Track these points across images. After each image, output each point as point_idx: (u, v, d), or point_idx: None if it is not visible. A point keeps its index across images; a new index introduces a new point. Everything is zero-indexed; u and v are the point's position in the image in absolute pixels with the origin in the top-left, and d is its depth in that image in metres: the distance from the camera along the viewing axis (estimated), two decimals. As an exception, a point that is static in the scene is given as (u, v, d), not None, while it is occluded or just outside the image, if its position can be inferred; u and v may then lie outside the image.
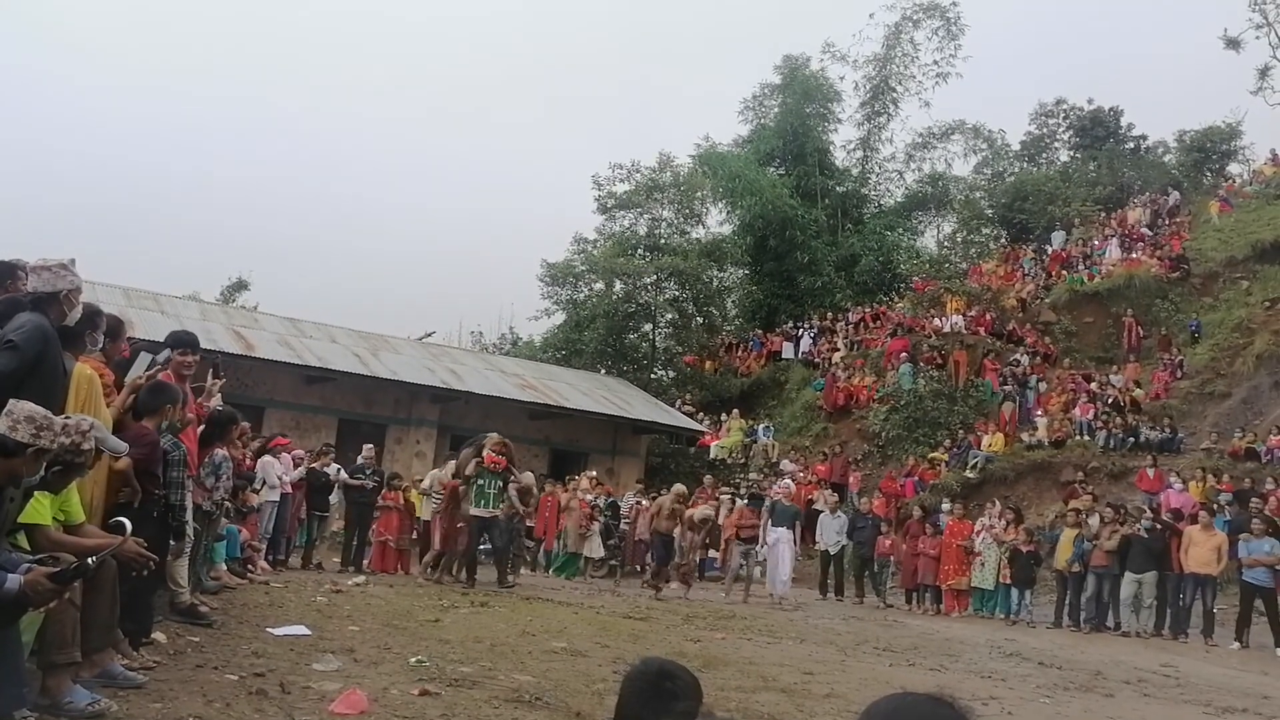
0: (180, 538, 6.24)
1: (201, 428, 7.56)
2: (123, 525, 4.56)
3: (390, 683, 5.85)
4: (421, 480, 15.93)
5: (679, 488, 16.29)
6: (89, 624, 4.55)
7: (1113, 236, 30.51)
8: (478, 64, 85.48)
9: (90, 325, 5.37)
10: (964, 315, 27.20)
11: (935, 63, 38.59)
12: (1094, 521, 15.13)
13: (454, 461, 14.29)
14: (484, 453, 13.21)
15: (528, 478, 14.75)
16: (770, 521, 15.88)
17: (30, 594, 3.68)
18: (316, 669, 6.03)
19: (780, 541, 15.60)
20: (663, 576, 15.32)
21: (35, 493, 4.25)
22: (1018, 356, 25.16)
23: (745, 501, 16.92)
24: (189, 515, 6.41)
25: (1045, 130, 43.22)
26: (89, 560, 3.93)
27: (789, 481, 18.94)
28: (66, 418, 4.31)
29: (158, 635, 6.22)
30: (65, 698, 4.24)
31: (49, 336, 4.72)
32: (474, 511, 13.01)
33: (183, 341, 6.78)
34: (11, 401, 4.05)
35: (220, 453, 8.09)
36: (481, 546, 13.79)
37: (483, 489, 13.03)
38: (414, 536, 15.37)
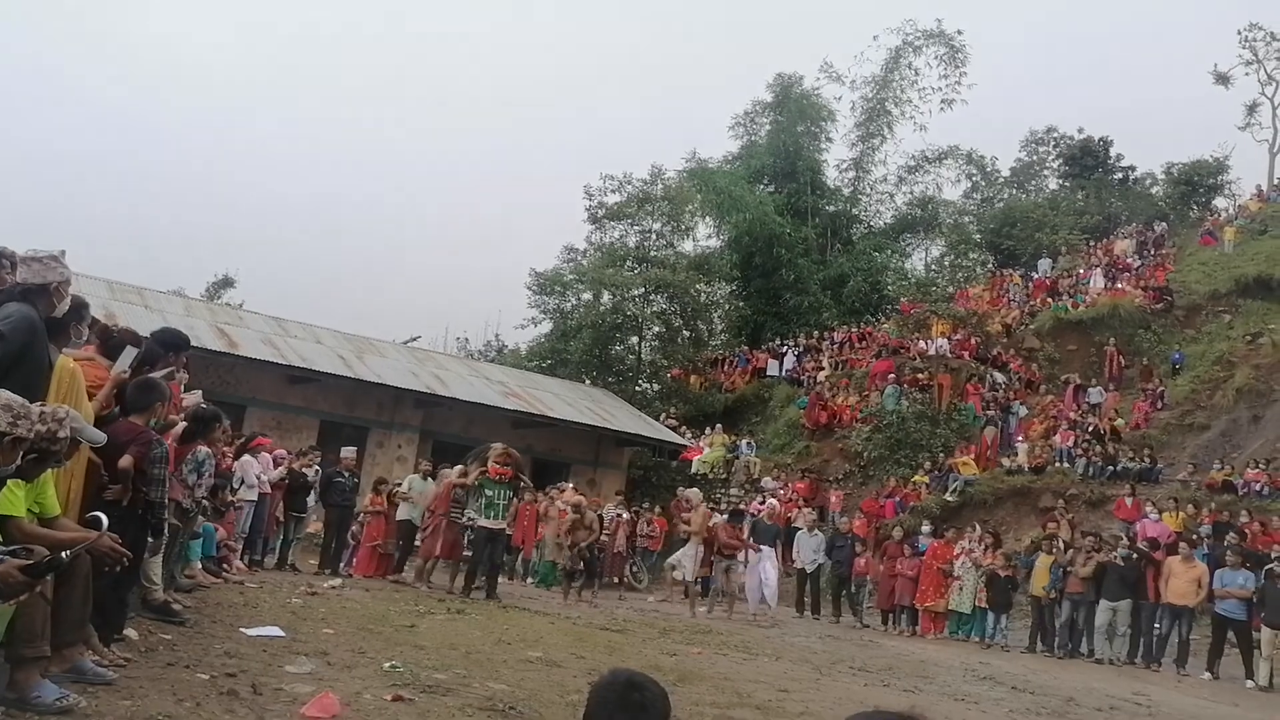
0: (158, 535, 6.20)
1: (183, 424, 7.52)
2: (99, 520, 4.53)
3: (363, 687, 5.81)
4: (400, 484, 15.81)
5: (573, 498, 16.62)
6: (60, 618, 4.51)
7: (1098, 266, 30.75)
8: (469, 71, 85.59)
9: (76, 318, 5.35)
10: (949, 339, 27.30)
11: (939, 89, 38.76)
12: (1062, 542, 15.19)
13: (460, 466, 14.24)
14: (489, 464, 13.14)
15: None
16: (752, 539, 15.92)
17: (2, 586, 3.65)
18: (289, 671, 5.99)
19: (763, 559, 15.64)
20: (586, 584, 15.54)
21: (9, 482, 4.22)
22: (995, 376, 25.25)
23: (725, 517, 16.90)
24: (167, 512, 6.37)
25: (1035, 158, 43.65)
26: (63, 554, 3.90)
27: (774, 501, 18.93)
28: (43, 406, 4.29)
29: (129, 632, 6.17)
30: (33, 692, 4.19)
31: (36, 328, 4.70)
32: (482, 523, 12.90)
33: (174, 343, 6.78)
34: (-12, 390, 4.03)
35: (204, 450, 8.04)
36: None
37: (492, 500, 12.91)
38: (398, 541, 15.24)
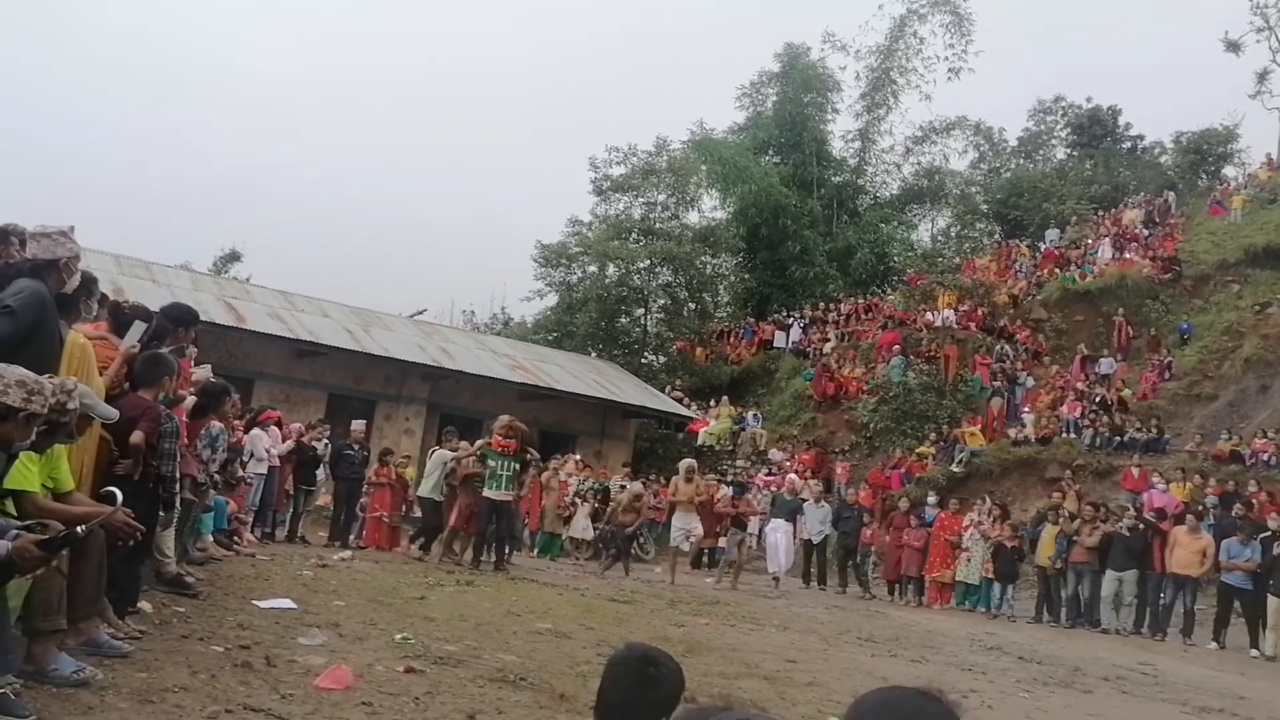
0: (170, 509, 6.24)
1: (193, 398, 7.56)
2: (114, 495, 4.55)
3: (376, 659, 5.86)
4: (406, 465, 15.84)
5: (636, 487, 16.33)
6: (75, 592, 4.54)
7: (1106, 236, 30.60)
8: (469, 48, 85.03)
9: (86, 293, 5.36)
10: (956, 310, 27.25)
11: (946, 58, 38.38)
12: (1068, 513, 15.28)
13: (482, 441, 14.23)
14: (493, 435, 13.16)
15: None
16: (771, 513, 16.07)
17: (18, 561, 3.67)
18: (302, 643, 6.04)
19: (779, 531, 15.73)
20: (611, 563, 15.49)
21: (24, 458, 4.24)
22: (1003, 347, 25.21)
23: (730, 490, 16.96)
24: (178, 487, 6.41)
25: (1043, 127, 43.28)
26: (78, 529, 3.92)
27: (794, 477, 18.96)
28: (51, 378, 4.30)
29: (144, 605, 6.21)
30: (51, 665, 4.23)
31: (47, 303, 4.71)
32: (487, 493, 12.89)
33: (184, 318, 6.80)
34: (2, 366, 4.04)
35: (217, 425, 8.09)
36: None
37: (494, 471, 12.89)
38: (404, 513, 15.29)
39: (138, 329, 6.03)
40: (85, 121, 64.87)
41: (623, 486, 19.56)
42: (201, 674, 4.87)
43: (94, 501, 4.87)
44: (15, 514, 4.22)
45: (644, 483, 21.45)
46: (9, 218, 5.75)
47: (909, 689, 1.69)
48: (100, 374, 5.46)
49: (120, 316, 6.21)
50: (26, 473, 4.27)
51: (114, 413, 4.98)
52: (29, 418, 3.94)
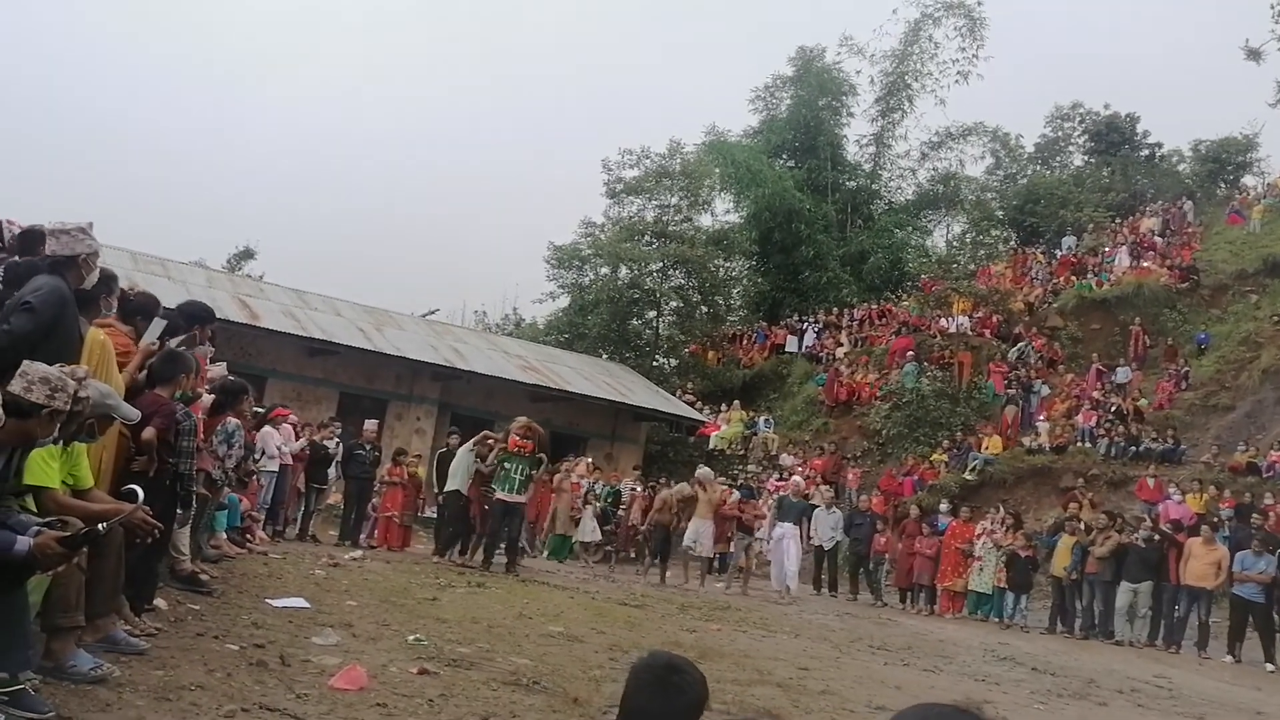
0: (188, 507, 6.24)
1: (210, 396, 7.56)
2: (135, 493, 4.55)
3: (389, 660, 5.86)
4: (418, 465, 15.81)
5: (684, 488, 16.24)
6: (93, 589, 4.55)
7: (1123, 244, 30.42)
8: (482, 51, 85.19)
9: (105, 289, 5.36)
10: (970, 316, 27.14)
11: (955, 61, 38.12)
12: (1084, 523, 15.20)
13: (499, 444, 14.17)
14: (510, 436, 13.13)
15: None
16: (778, 516, 16.01)
17: (39, 557, 3.68)
18: (316, 643, 6.04)
19: (786, 537, 15.67)
20: (662, 567, 15.38)
21: (44, 454, 4.24)
22: (1020, 348, 25.08)
23: (738, 494, 16.89)
24: (196, 484, 6.41)
25: (1060, 133, 42.98)
26: (100, 526, 3.92)
27: (799, 479, 18.90)
28: (62, 367, 4.30)
29: (159, 602, 6.23)
30: (69, 661, 4.25)
31: (66, 300, 4.71)
32: (499, 495, 12.84)
33: (200, 316, 6.80)
34: (25, 363, 4.04)
35: (234, 422, 8.10)
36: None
37: (508, 473, 12.83)
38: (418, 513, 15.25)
39: (157, 326, 6.04)
40: (93, 119, 65.16)
41: (634, 490, 19.61)
42: (217, 672, 4.87)
43: (112, 499, 4.87)
44: (35, 510, 4.22)
45: (653, 485, 21.45)
46: (19, 216, 5.78)
47: (947, 706, 1.66)
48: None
49: (126, 304, 6.20)
50: (47, 469, 4.27)
51: (136, 414, 4.99)
52: (52, 414, 3.95)
